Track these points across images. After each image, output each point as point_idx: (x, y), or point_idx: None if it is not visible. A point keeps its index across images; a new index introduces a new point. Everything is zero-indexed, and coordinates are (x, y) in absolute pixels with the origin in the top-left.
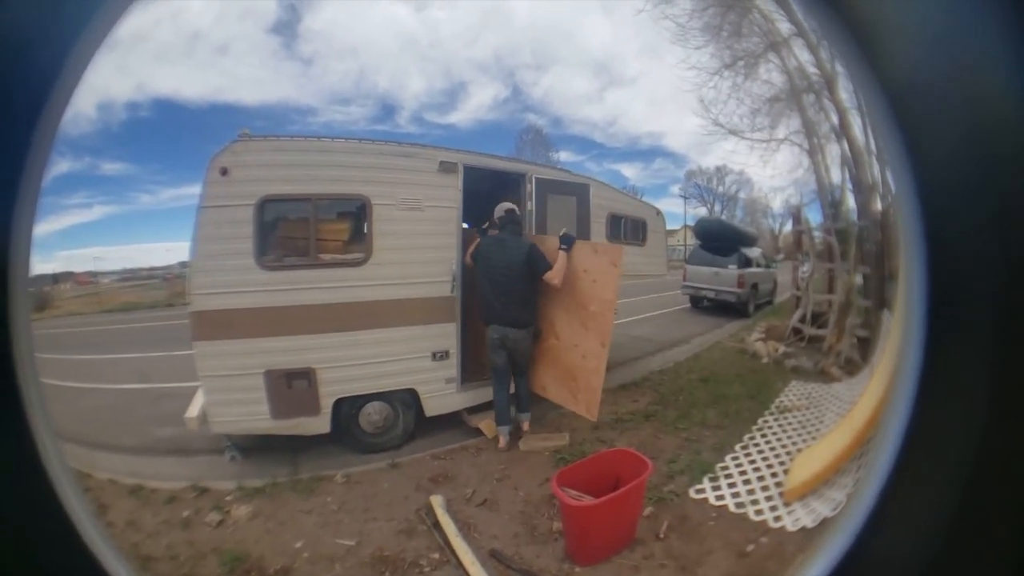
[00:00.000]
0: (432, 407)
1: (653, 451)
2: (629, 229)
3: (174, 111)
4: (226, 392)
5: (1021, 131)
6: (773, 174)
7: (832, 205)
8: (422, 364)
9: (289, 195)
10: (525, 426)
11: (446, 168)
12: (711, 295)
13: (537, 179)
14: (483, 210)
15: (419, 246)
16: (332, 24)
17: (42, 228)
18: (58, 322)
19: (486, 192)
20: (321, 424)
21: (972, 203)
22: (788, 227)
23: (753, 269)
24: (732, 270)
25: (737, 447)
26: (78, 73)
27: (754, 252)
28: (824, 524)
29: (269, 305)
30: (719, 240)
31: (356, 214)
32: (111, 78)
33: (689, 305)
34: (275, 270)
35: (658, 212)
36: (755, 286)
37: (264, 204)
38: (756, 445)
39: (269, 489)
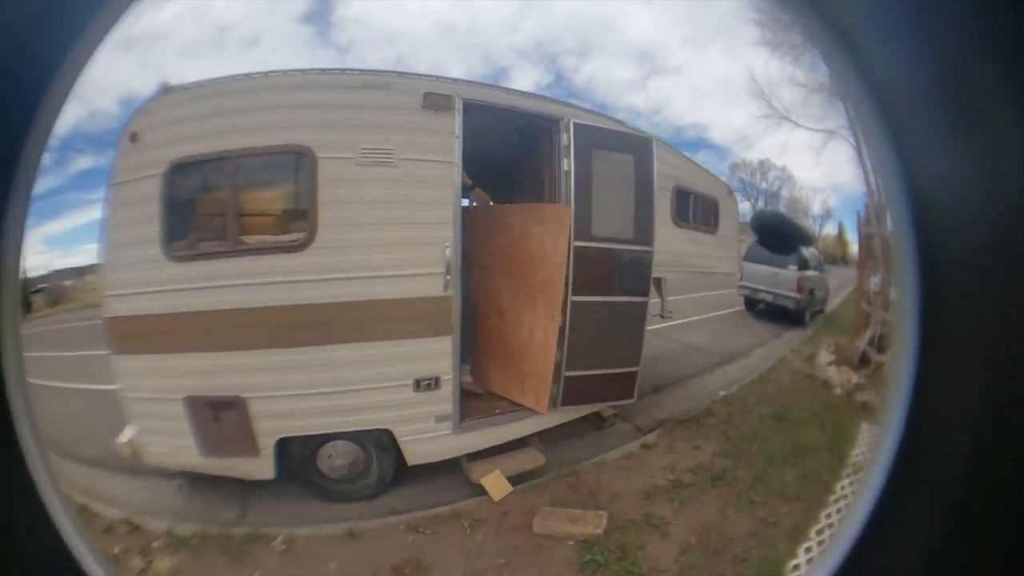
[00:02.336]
0: (416, 454)
1: (720, 541)
2: (699, 210)
3: None
4: (151, 419)
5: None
6: (822, 170)
7: (877, 206)
8: (400, 396)
9: (203, 155)
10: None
11: (435, 104)
12: (768, 299)
13: (577, 126)
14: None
15: (391, 220)
16: (367, 12)
17: (68, 222)
18: (78, 315)
19: (499, 145)
20: (262, 468)
21: (965, 206)
22: (831, 228)
23: (810, 272)
24: (792, 272)
25: (812, 532)
26: (77, 69)
27: (810, 252)
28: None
29: (181, 310)
30: (778, 235)
31: (293, 175)
32: (133, 74)
33: (744, 307)
34: (186, 261)
35: (730, 191)
36: (812, 292)
37: (173, 172)
38: (831, 526)
39: (196, 542)
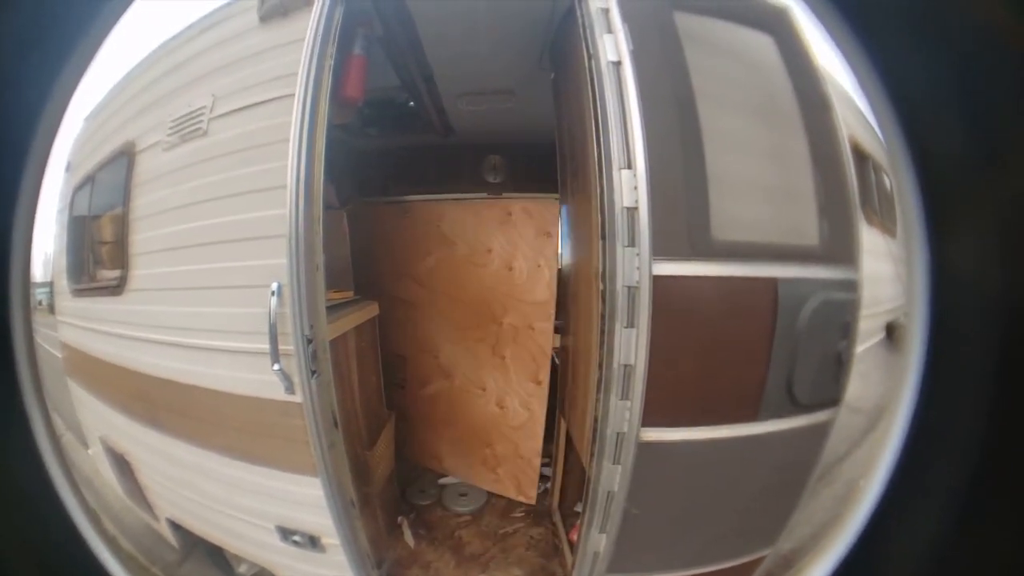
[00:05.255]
0: None
1: None
2: (882, 192)
3: None
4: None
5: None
6: None
7: None
8: (268, 539)
9: (79, 181)
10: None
11: (277, 8)
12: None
13: None
14: None
15: (195, 239)
16: None
17: None
18: None
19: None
20: (166, 534)
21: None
22: None
23: None
24: None
25: None
26: (81, 71)
27: None
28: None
29: (75, 346)
30: None
31: (122, 188)
32: None
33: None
34: (75, 297)
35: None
36: None
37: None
38: None
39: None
